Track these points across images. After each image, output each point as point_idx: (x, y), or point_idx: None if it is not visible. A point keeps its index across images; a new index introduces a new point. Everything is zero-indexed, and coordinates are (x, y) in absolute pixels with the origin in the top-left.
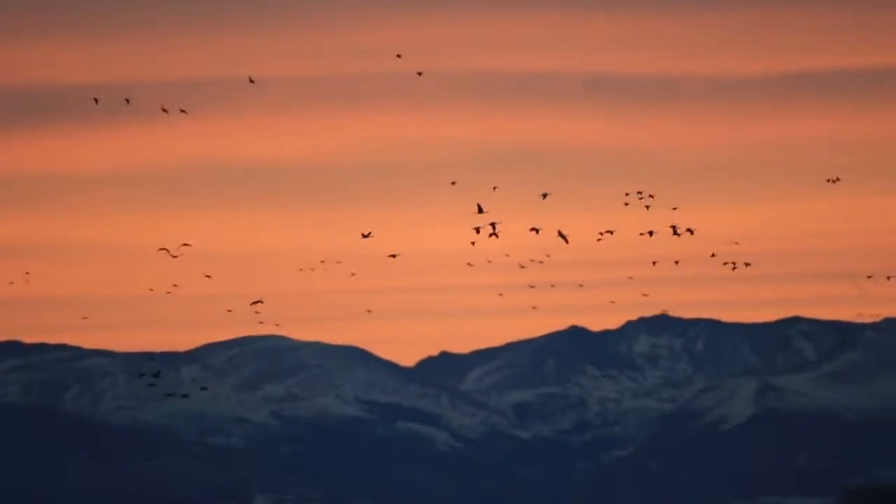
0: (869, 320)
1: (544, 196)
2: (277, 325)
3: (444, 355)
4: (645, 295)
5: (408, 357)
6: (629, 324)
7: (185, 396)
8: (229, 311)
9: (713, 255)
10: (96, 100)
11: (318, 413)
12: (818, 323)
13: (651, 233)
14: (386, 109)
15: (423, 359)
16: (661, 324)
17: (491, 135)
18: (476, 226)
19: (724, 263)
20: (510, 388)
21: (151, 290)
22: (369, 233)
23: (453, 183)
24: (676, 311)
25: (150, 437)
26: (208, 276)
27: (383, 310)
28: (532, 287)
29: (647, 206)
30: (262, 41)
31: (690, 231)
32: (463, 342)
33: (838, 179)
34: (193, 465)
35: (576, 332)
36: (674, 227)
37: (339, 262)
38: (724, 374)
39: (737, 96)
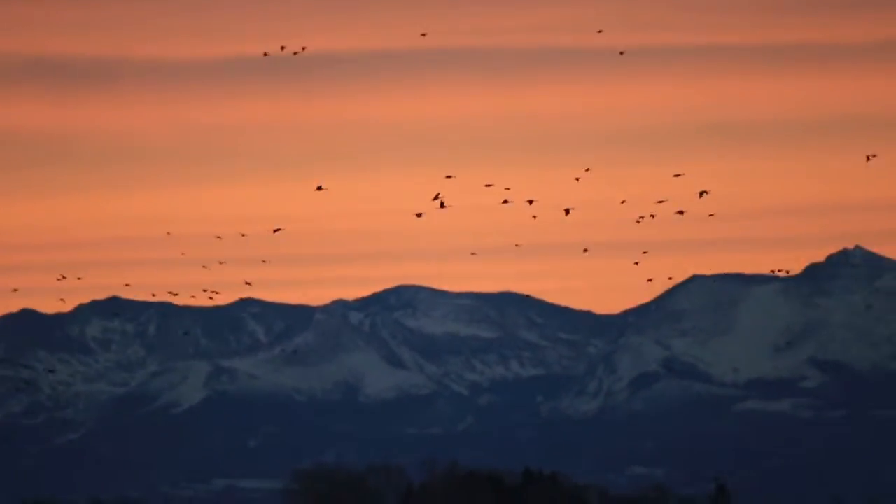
0: (323, 302)
1: None
2: None
3: None
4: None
5: None
6: (81, 307)
7: None
8: None
9: (168, 233)
10: None
11: None
12: (270, 305)
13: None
14: None
15: None
16: (114, 307)
17: None
18: None
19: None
20: None
21: None
22: None
23: None
24: (129, 294)
25: None
26: None
27: None
28: None
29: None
30: None
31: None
32: None
33: None
34: None
35: (27, 315)
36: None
37: None
38: (176, 358)
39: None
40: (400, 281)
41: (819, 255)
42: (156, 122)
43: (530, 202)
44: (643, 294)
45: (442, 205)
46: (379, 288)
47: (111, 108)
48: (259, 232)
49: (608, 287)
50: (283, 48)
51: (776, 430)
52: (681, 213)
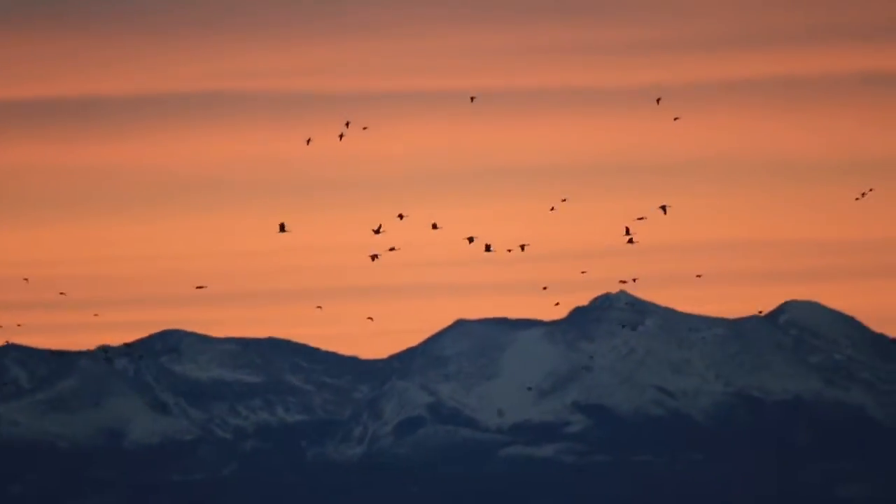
0: (83, 348)
1: None
2: None
3: None
4: None
5: None
6: None
7: None
8: None
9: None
10: None
11: None
12: (32, 351)
13: None
14: None
15: None
16: None
17: None
18: None
19: None
20: None
21: None
22: None
23: None
24: None
25: None
26: None
27: None
28: None
29: None
30: None
31: None
32: None
33: None
34: None
35: None
36: None
37: None
38: None
39: None
40: (165, 326)
41: (583, 299)
42: None
43: (471, 239)
44: (408, 339)
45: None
46: (144, 333)
47: None
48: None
49: (374, 332)
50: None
51: (541, 474)
52: (470, 238)
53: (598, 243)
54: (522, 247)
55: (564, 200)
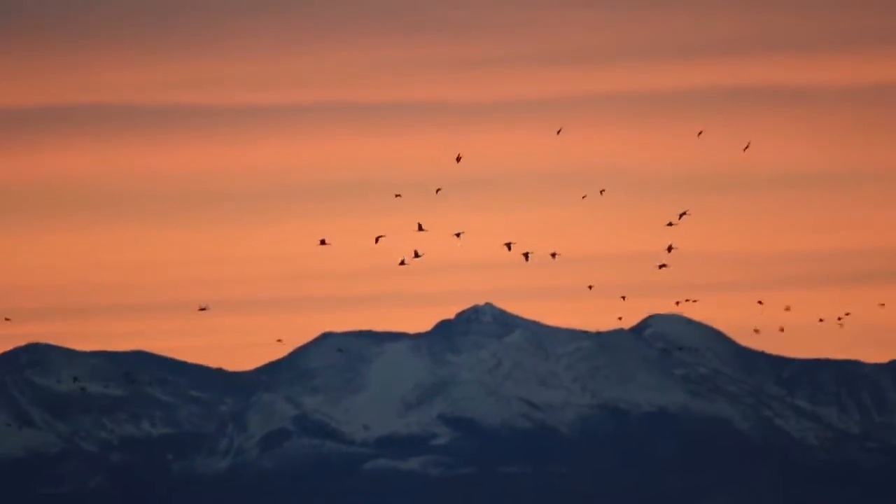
0: None
1: None
2: None
3: None
4: None
5: None
6: None
7: None
8: None
9: None
10: None
11: None
12: None
13: None
14: None
15: None
16: None
17: None
18: None
19: None
20: None
21: None
22: None
23: None
24: None
25: None
26: None
27: None
28: None
29: None
30: None
31: None
32: None
33: None
34: None
35: None
36: None
37: None
38: None
39: None
40: (30, 339)
41: (449, 312)
42: None
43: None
44: (275, 352)
45: (416, 254)
46: (9, 346)
47: None
48: None
49: (240, 345)
50: None
51: (406, 487)
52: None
53: (459, 256)
54: (553, 254)
55: (602, 191)
